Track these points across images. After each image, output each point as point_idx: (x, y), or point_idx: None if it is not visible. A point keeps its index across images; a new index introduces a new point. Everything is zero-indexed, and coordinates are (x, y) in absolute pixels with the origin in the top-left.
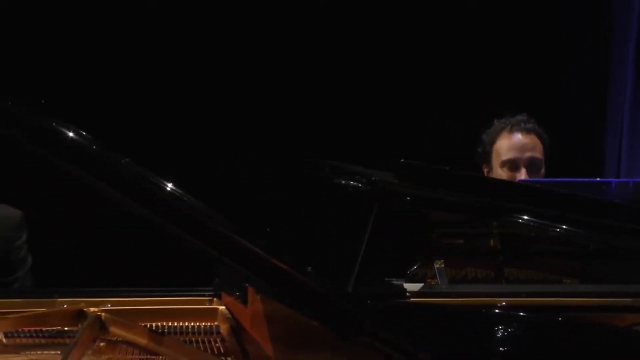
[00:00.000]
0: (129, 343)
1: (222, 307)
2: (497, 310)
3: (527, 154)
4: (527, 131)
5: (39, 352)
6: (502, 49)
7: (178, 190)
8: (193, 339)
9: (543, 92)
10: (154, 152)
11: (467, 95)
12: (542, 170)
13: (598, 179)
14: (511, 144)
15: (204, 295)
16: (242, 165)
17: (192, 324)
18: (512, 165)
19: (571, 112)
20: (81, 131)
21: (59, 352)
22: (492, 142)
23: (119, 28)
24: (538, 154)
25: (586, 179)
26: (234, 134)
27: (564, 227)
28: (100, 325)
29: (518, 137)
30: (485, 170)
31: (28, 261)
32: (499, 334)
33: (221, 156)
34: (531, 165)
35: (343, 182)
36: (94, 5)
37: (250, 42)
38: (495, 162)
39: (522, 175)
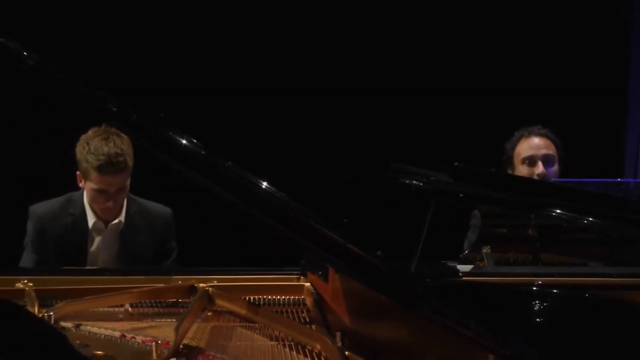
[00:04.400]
0: (231, 313)
1: (307, 284)
2: (534, 288)
3: (542, 151)
4: (541, 135)
5: (157, 320)
6: (524, 53)
7: (271, 188)
8: (283, 309)
9: (564, 95)
10: (252, 155)
11: (493, 99)
12: (556, 166)
13: (618, 179)
14: (529, 145)
15: (292, 274)
16: (327, 167)
17: (282, 297)
18: (531, 161)
19: (591, 115)
20: (192, 139)
21: (174, 320)
22: (514, 147)
23: (221, 44)
24: (552, 151)
25: (607, 179)
26: (324, 142)
27: (590, 219)
28: (208, 298)
29: (534, 139)
30: (509, 172)
31: (175, 251)
32: (536, 307)
33: (312, 160)
34: (546, 160)
35: (407, 181)
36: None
37: (336, 61)
38: (517, 162)
39: (540, 169)
